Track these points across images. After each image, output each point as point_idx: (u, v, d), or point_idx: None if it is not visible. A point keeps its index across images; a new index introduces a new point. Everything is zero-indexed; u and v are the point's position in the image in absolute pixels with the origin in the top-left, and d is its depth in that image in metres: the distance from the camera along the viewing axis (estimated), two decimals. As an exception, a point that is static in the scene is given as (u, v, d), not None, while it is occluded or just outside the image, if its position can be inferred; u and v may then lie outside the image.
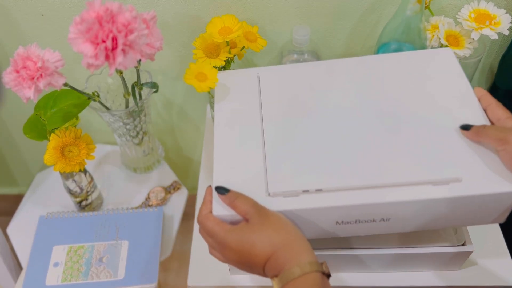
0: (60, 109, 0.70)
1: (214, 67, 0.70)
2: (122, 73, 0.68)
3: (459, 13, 0.72)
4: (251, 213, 0.51)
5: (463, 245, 0.63)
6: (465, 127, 0.57)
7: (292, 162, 0.56)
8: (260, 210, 0.51)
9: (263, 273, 0.51)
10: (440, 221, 0.56)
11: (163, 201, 0.91)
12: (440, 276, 0.67)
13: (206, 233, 0.53)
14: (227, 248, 0.51)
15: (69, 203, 0.90)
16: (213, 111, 0.87)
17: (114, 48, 0.52)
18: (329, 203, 0.52)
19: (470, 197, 0.52)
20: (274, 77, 0.66)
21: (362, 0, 0.78)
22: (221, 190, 0.53)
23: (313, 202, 0.53)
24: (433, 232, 0.65)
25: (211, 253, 0.55)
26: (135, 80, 0.73)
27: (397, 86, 0.62)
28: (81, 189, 0.84)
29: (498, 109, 0.57)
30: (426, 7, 0.75)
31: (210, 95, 0.83)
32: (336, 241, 0.63)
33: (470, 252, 0.63)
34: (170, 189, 0.93)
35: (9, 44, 0.87)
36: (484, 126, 0.56)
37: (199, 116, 1.02)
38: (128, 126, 0.82)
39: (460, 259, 0.65)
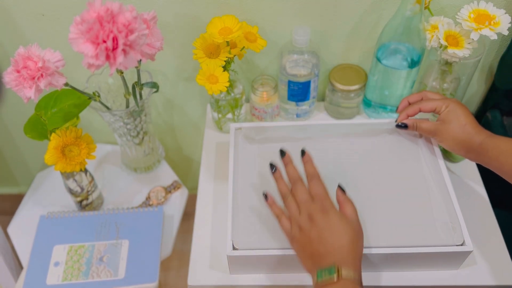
0: (61, 109, 0.70)
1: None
2: (122, 73, 0.68)
3: (458, 13, 0.72)
4: (353, 217, 0.58)
5: (462, 245, 0.64)
6: (402, 126, 0.73)
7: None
8: (359, 224, 0.58)
9: (312, 262, 0.56)
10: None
11: (163, 201, 0.91)
12: (440, 276, 0.68)
13: (314, 193, 0.59)
14: (320, 216, 0.56)
15: (70, 202, 0.90)
16: (213, 111, 0.87)
17: (114, 48, 0.52)
18: None
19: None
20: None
21: (362, 0, 0.78)
22: (341, 189, 0.61)
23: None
24: (432, 232, 0.65)
25: (292, 216, 0.59)
26: (136, 80, 0.74)
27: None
28: (82, 189, 0.84)
29: (430, 104, 0.70)
30: (425, 8, 0.75)
31: (211, 95, 0.83)
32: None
33: (469, 252, 0.63)
34: (170, 189, 0.93)
35: (9, 44, 0.87)
36: (417, 122, 0.71)
37: (199, 116, 1.02)
38: (128, 126, 0.82)
39: (459, 259, 0.65)
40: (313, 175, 0.61)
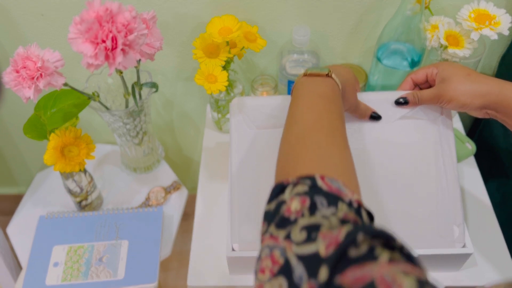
0: (60, 109, 0.70)
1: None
2: (122, 73, 0.68)
3: (459, 13, 0.72)
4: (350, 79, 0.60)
5: (463, 247, 0.63)
6: (402, 102, 0.65)
7: None
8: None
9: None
10: None
11: (163, 201, 0.91)
12: (440, 277, 0.67)
13: None
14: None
15: (69, 203, 0.90)
16: (213, 111, 0.87)
17: (113, 48, 0.52)
18: None
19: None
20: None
21: (362, 0, 0.78)
22: None
23: None
24: (433, 234, 0.64)
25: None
26: (135, 80, 0.73)
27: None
28: (81, 189, 0.84)
29: (419, 72, 0.65)
30: (426, 7, 0.75)
31: (211, 95, 0.83)
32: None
33: (470, 254, 0.63)
34: (170, 189, 0.93)
35: (9, 44, 0.87)
36: (417, 93, 0.64)
37: (199, 116, 1.02)
38: (128, 126, 0.82)
39: (460, 261, 0.65)
40: None
